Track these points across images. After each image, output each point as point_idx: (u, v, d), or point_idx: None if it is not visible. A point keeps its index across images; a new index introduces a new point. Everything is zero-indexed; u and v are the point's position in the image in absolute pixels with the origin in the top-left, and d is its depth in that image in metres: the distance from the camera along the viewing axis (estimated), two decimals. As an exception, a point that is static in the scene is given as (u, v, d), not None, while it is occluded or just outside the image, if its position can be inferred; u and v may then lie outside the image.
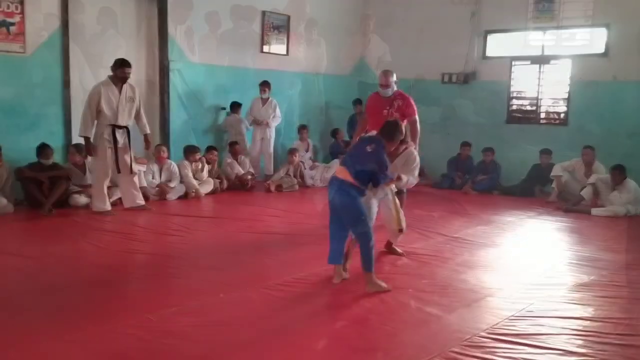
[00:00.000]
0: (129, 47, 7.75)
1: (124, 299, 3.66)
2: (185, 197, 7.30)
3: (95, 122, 6.11)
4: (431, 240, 5.41)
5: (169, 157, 7.56)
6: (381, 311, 3.56)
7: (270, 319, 3.39)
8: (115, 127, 6.12)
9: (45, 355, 2.81)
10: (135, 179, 6.45)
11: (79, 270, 4.28)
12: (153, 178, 7.22)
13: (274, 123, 8.72)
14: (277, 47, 9.46)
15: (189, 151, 7.55)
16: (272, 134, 8.75)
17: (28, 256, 4.52)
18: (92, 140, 6.11)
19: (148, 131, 6.52)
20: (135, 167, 6.44)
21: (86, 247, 4.92)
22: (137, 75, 7.84)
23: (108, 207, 6.21)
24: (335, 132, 9.91)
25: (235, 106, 8.66)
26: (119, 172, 6.24)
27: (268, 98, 8.57)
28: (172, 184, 7.24)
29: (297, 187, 8.34)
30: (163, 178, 7.31)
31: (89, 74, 7.30)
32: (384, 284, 3.89)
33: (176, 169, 7.33)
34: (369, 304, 3.68)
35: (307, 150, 9.44)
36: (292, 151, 8.57)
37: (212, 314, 3.42)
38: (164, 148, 7.48)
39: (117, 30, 7.61)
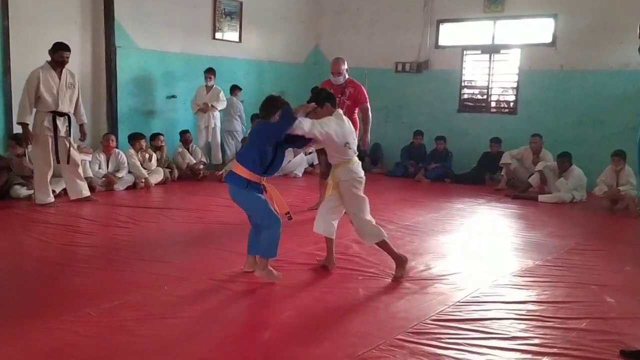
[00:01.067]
0: (74, 31, 7.44)
1: (63, 294, 3.51)
2: (133, 187, 7.12)
3: (34, 109, 5.83)
4: (382, 229, 5.41)
5: (116, 147, 7.33)
6: (329, 300, 3.55)
7: (215, 311, 3.32)
8: (56, 114, 5.86)
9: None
10: (80, 169, 6.19)
11: (18, 264, 4.11)
12: (100, 168, 6.99)
13: (219, 106, 8.49)
14: (229, 34, 9.29)
15: (133, 138, 7.36)
16: (217, 122, 8.56)
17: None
18: (31, 128, 5.82)
19: (85, 121, 6.26)
20: (78, 157, 6.18)
21: (27, 240, 4.73)
22: (82, 61, 7.57)
23: (51, 199, 5.97)
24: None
25: (235, 89, 8.86)
26: (57, 162, 5.98)
27: (213, 86, 8.38)
28: (119, 174, 7.03)
29: (249, 175, 8.24)
30: (110, 168, 7.09)
31: (31, 59, 6.95)
32: (275, 273, 3.75)
33: (124, 158, 7.12)
34: (317, 292, 3.66)
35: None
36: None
37: (155, 307, 3.32)
38: (112, 137, 7.26)
39: (61, 14, 7.30)
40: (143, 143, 7.38)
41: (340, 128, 3.84)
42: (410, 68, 9.78)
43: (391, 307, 3.44)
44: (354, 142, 4.01)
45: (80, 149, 6.70)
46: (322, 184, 6.24)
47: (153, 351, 2.77)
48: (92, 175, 6.77)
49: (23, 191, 6.23)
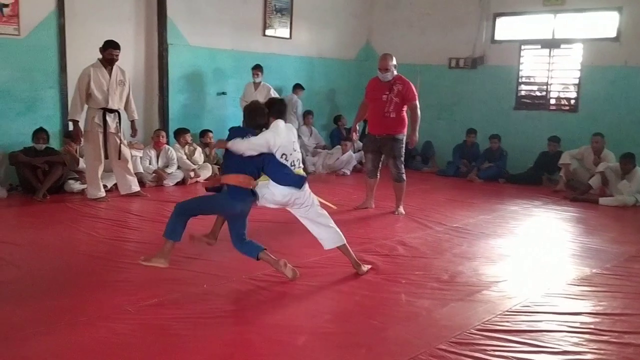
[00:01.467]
0: (127, 29, 7.59)
1: (105, 289, 3.54)
2: (183, 183, 7.19)
3: (86, 106, 5.97)
4: (429, 230, 5.25)
5: (167, 143, 7.44)
6: (369, 304, 3.43)
7: (253, 312, 3.26)
8: (106, 110, 5.97)
9: (19, 346, 2.71)
10: (130, 165, 6.31)
11: (65, 258, 4.17)
12: (150, 164, 7.11)
13: (272, 107, 8.53)
14: (280, 31, 9.26)
15: (178, 133, 7.46)
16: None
17: (15, 243, 4.44)
18: (82, 124, 5.96)
19: (136, 117, 6.34)
20: (128, 153, 6.30)
21: (76, 234, 4.82)
22: (135, 58, 7.72)
23: (102, 193, 6.09)
24: (337, 119, 9.75)
25: (298, 87, 9.01)
26: (106, 157, 6.09)
27: (260, 82, 8.37)
28: (169, 170, 7.13)
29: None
30: (160, 164, 7.19)
31: (86, 56, 7.14)
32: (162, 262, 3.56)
33: (174, 154, 7.21)
34: (357, 296, 3.54)
35: (310, 136, 9.28)
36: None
37: (193, 306, 3.30)
38: (163, 133, 7.36)
39: (115, 11, 7.45)
40: (188, 137, 7.46)
41: (273, 139, 3.61)
42: (464, 64, 9.47)
43: (434, 314, 3.29)
44: (293, 155, 3.75)
45: (131, 145, 6.84)
46: (369, 183, 6.11)
47: (187, 351, 2.73)
48: (142, 171, 6.90)
49: (76, 186, 6.41)
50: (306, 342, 2.90)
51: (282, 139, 3.68)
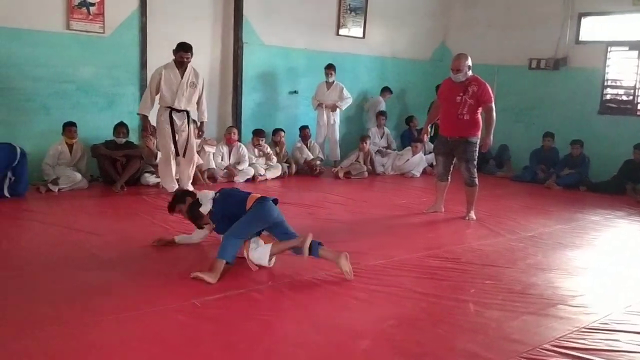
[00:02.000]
0: (205, 28, 7.81)
1: (174, 281, 3.61)
2: (253, 180, 7.29)
3: (158, 103, 6.17)
4: (501, 238, 5.04)
5: (239, 140, 7.58)
6: (436, 312, 3.31)
7: (316, 313, 3.23)
8: (173, 110, 6.09)
9: (83, 332, 2.81)
10: (192, 166, 6.37)
11: (138, 249, 4.29)
12: (222, 160, 7.26)
13: (344, 105, 8.51)
14: (354, 30, 9.22)
15: (254, 133, 7.62)
16: (337, 119, 8.54)
17: (92, 232, 4.62)
18: (151, 120, 6.18)
19: (204, 119, 6.38)
20: (194, 153, 6.34)
21: (150, 226, 4.92)
22: (211, 57, 7.92)
23: (176, 186, 6.25)
24: (409, 120, 9.59)
25: (386, 91, 9.21)
26: (177, 154, 6.22)
27: (333, 82, 8.36)
28: (240, 167, 7.25)
29: (366, 174, 8.14)
30: (232, 160, 7.33)
31: (166, 54, 7.40)
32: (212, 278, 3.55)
33: (245, 151, 7.33)
34: (423, 303, 3.44)
35: (381, 137, 9.18)
36: (364, 138, 8.35)
37: (258, 303, 3.31)
38: (235, 130, 7.50)
39: (194, 10, 7.67)
40: (261, 140, 7.60)
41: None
42: (545, 65, 9.07)
43: (504, 326, 3.14)
44: None
45: (205, 141, 7.02)
46: (439, 186, 5.95)
47: (248, 350, 2.73)
48: (214, 167, 7.05)
49: (152, 179, 6.63)
50: (369, 347, 2.83)
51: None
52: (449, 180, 5.91)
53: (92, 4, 6.69)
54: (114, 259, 3.99)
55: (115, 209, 5.63)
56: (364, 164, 8.23)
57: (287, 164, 7.85)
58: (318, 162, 8.07)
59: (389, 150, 9.00)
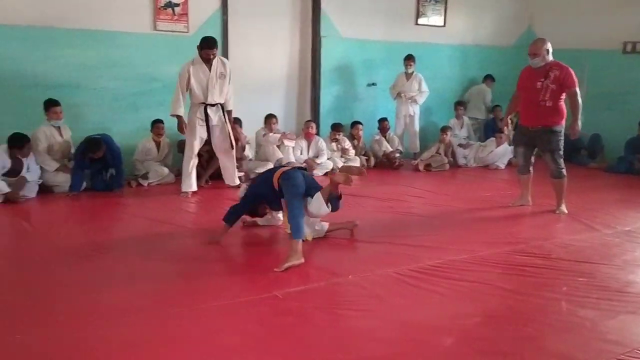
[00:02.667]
0: (283, 23, 7.88)
1: (257, 273, 3.67)
2: (332, 172, 7.27)
3: (189, 100, 5.99)
4: (596, 233, 4.74)
5: (317, 133, 7.60)
6: (524, 310, 3.16)
7: (395, 308, 3.16)
8: (207, 105, 5.91)
9: (164, 322, 2.90)
10: (233, 157, 6.25)
11: (227, 242, 4.37)
12: (301, 154, 7.32)
13: (421, 99, 8.33)
14: (434, 19, 8.99)
15: (332, 127, 7.62)
16: (416, 110, 8.37)
17: (177, 224, 4.79)
18: (184, 118, 5.98)
19: (230, 108, 6.13)
20: (233, 146, 6.17)
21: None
22: (290, 51, 7.99)
23: (193, 188, 6.02)
24: (492, 109, 9.24)
25: (488, 79, 9.16)
26: (212, 151, 6.06)
27: (413, 72, 8.19)
28: (319, 160, 7.28)
29: (447, 166, 7.92)
30: (311, 154, 7.38)
31: (246, 51, 7.56)
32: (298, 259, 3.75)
33: (323, 144, 7.36)
34: (510, 300, 3.28)
35: (461, 128, 8.91)
36: (444, 129, 8.12)
37: (338, 296, 3.30)
38: (312, 124, 7.52)
39: (273, 6, 7.75)
40: (338, 135, 7.58)
41: None
42: (642, 48, 8.44)
43: (600, 326, 2.94)
44: None
45: (285, 135, 7.10)
46: (522, 179, 5.69)
47: (325, 344, 2.72)
48: (294, 160, 7.11)
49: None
50: (450, 345, 2.74)
51: None
52: (531, 172, 5.64)
53: (177, 5, 6.93)
54: (197, 251, 4.10)
55: (200, 202, 5.80)
56: (445, 155, 8.02)
57: (366, 157, 7.79)
58: (397, 155, 7.95)
59: (471, 142, 8.72)
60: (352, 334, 2.84)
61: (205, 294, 3.26)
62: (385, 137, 8.11)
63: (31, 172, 5.70)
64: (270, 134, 7.07)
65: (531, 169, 5.62)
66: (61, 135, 6.12)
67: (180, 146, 6.77)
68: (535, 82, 5.22)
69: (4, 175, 5.51)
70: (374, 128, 8.24)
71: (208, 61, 5.83)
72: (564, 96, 5.19)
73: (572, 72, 5.17)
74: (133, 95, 6.90)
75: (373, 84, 8.55)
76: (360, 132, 7.83)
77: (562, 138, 5.32)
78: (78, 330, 2.77)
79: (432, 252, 4.09)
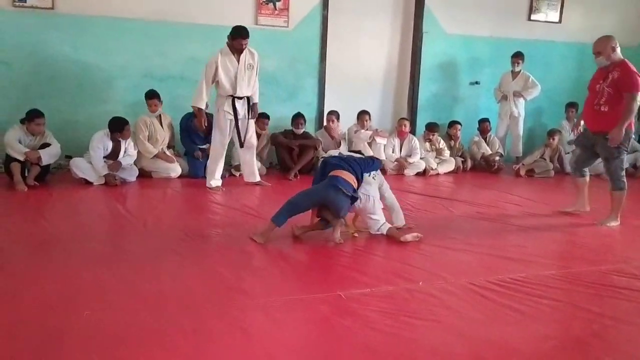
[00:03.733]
0: (385, 20, 7.75)
1: (325, 271, 3.63)
2: (423, 174, 7.07)
3: (216, 93, 5.82)
4: None
5: (413, 132, 7.40)
6: (610, 337, 2.81)
7: (465, 321, 2.96)
8: (235, 98, 5.68)
9: (231, 313, 2.93)
10: (254, 153, 6.08)
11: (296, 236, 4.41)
12: (393, 152, 7.16)
13: (529, 95, 7.82)
14: (549, 14, 8.41)
15: (427, 127, 7.37)
16: (521, 111, 7.87)
17: (260, 216, 4.85)
18: (209, 111, 5.85)
19: (256, 100, 5.90)
20: (255, 141, 6.06)
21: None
22: (390, 49, 7.84)
23: (218, 182, 5.91)
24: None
25: None
26: (241, 146, 5.89)
27: (520, 71, 7.70)
28: (411, 159, 7.08)
29: (552, 173, 7.39)
30: (403, 152, 7.20)
31: (345, 47, 7.53)
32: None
33: (417, 143, 7.15)
34: (596, 324, 2.95)
35: (572, 132, 8.26)
36: (552, 132, 7.58)
37: (404, 303, 3.15)
38: (406, 122, 7.35)
39: (375, 3, 7.66)
40: (431, 135, 7.33)
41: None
42: None
43: None
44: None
45: (376, 132, 6.98)
46: (576, 182, 5.27)
47: (380, 350, 2.59)
48: (385, 159, 6.98)
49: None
50: (520, 369, 2.52)
51: None
52: (586, 175, 5.26)
53: (278, 0, 7.04)
54: (271, 244, 4.11)
55: (286, 195, 5.82)
56: (550, 161, 7.48)
57: (462, 159, 7.47)
58: (497, 158, 7.54)
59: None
60: (413, 345, 2.69)
61: (275, 288, 3.26)
62: (485, 138, 7.73)
63: (127, 156, 6.06)
64: (362, 131, 6.99)
65: (585, 172, 5.26)
66: (161, 124, 6.45)
67: (273, 139, 6.89)
68: (595, 84, 4.82)
69: (106, 157, 5.91)
70: (474, 129, 7.87)
71: (239, 52, 5.58)
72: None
73: (635, 74, 4.64)
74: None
75: (476, 83, 8.18)
76: (458, 132, 7.52)
77: (622, 146, 4.79)
78: (149, 316, 2.87)
79: (515, 264, 3.81)
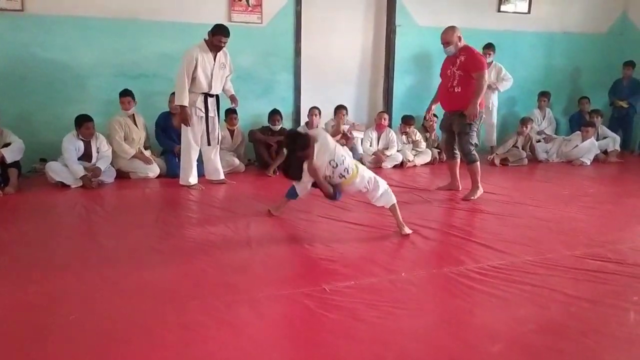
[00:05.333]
0: (357, 13, 7.79)
1: (309, 265, 3.66)
2: (401, 165, 7.15)
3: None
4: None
5: (390, 125, 7.47)
6: (586, 319, 2.90)
7: (448, 310, 3.03)
8: (207, 95, 5.66)
9: (218, 309, 2.94)
10: (217, 151, 5.99)
11: (281, 230, 4.43)
12: (370, 145, 7.22)
13: (502, 87, 7.96)
14: (518, 5, 8.55)
15: (402, 121, 7.46)
16: (495, 102, 8.01)
17: (244, 214, 4.84)
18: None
19: (233, 92, 5.94)
20: (218, 139, 5.98)
21: (297, 212, 4.97)
22: (363, 42, 7.88)
23: (194, 180, 5.86)
24: (579, 101, 8.69)
25: (629, 65, 8.64)
26: (209, 144, 5.83)
27: (492, 62, 7.83)
28: (388, 152, 7.15)
29: (526, 161, 7.53)
30: (381, 145, 7.26)
31: (319, 41, 7.55)
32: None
33: (394, 136, 7.21)
34: (573, 307, 3.04)
35: (543, 119, 8.45)
36: (525, 121, 7.73)
37: (388, 293, 3.20)
38: (385, 115, 7.41)
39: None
40: (407, 128, 7.41)
41: (322, 154, 4.00)
42: None
43: (673, 343, 2.66)
44: (342, 159, 4.08)
45: (353, 127, 7.02)
46: (449, 165, 5.89)
47: (367, 342, 2.65)
48: (362, 152, 7.03)
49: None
50: (501, 352, 2.58)
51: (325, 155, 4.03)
52: (457, 157, 5.72)
53: (252, -4, 7.04)
54: (254, 239, 4.13)
55: (267, 191, 5.85)
56: (523, 150, 7.63)
57: (438, 150, 7.56)
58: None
59: (554, 135, 8.25)
60: (398, 333, 2.74)
61: (253, 284, 3.28)
62: (460, 129, 7.83)
63: (103, 157, 6.00)
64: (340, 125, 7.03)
65: (457, 155, 5.71)
66: (135, 124, 6.39)
67: (251, 136, 6.89)
68: (446, 70, 5.40)
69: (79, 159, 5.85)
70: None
71: (216, 49, 5.54)
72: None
73: (478, 56, 5.26)
74: (208, 85, 7.07)
75: (450, 74, 8.26)
76: (434, 124, 7.60)
77: (474, 123, 5.34)
78: (135, 313, 2.87)
79: (494, 252, 3.90)
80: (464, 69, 5.24)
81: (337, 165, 4.05)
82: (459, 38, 5.36)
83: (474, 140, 5.48)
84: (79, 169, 5.75)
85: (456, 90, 5.32)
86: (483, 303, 3.12)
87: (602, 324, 2.86)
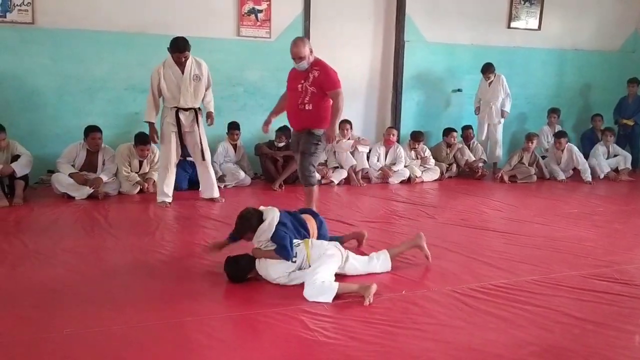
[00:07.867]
0: (366, 28, 7.80)
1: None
2: (408, 181, 7.10)
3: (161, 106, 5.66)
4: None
5: (398, 140, 7.44)
6: (590, 342, 2.82)
7: (449, 329, 2.96)
8: (179, 109, 5.53)
9: (209, 326, 2.92)
10: (210, 167, 5.86)
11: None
12: (378, 160, 7.18)
13: (509, 106, 7.90)
14: (528, 22, 8.52)
15: (411, 137, 7.41)
16: (498, 118, 7.94)
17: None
18: (157, 125, 5.66)
19: (211, 109, 5.69)
20: (208, 155, 5.81)
21: None
22: (372, 57, 7.88)
23: (167, 199, 5.70)
24: (592, 118, 8.60)
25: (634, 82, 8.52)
26: (183, 157, 5.81)
27: (492, 80, 7.78)
28: (395, 168, 7.11)
29: (534, 178, 7.44)
30: (388, 161, 7.22)
31: (328, 56, 7.51)
32: None
33: (402, 152, 7.18)
34: (577, 329, 2.96)
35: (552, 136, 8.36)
36: (530, 137, 7.63)
37: (383, 311, 3.14)
38: (394, 131, 7.38)
39: (357, 12, 7.69)
40: (416, 144, 7.40)
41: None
42: None
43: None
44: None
45: (358, 141, 6.99)
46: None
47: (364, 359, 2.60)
48: (368, 167, 7.00)
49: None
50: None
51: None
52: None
53: (260, 11, 7.07)
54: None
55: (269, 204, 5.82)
56: (530, 165, 7.54)
57: (447, 166, 7.51)
58: (480, 164, 7.59)
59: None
60: (397, 353, 2.69)
61: (249, 300, 3.25)
62: (468, 145, 7.78)
63: (106, 170, 6.05)
64: (344, 140, 7.00)
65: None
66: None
67: (258, 149, 6.89)
68: (296, 85, 4.76)
69: (82, 169, 5.98)
70: (458, 136, 7.92)
71: (180, 63, 5.43)
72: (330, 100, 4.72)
73: (332, 72, 4.70)
74: (217, 100, 7.04)
75: (458, 90, 8.24)
76: (455, 139, 7.55)
77: (321, 144, 4.84)
78: (130, 330, 2.84)
79: (498, 271, 3.83)
80: (318, 85, 4.68)
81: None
82: (311, 51, 4.80)
83: (318, 161, 5.04)
84: (68, 168, 5.88)
85: (307, 107, 4.72)
86: (484, 324, 3.05)
87: (606, 347, 2.78)
